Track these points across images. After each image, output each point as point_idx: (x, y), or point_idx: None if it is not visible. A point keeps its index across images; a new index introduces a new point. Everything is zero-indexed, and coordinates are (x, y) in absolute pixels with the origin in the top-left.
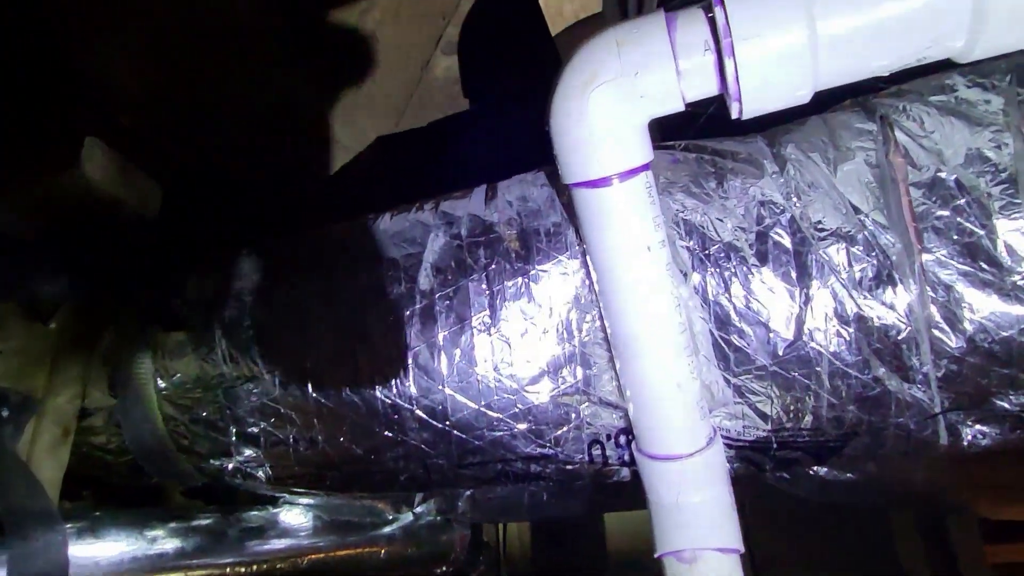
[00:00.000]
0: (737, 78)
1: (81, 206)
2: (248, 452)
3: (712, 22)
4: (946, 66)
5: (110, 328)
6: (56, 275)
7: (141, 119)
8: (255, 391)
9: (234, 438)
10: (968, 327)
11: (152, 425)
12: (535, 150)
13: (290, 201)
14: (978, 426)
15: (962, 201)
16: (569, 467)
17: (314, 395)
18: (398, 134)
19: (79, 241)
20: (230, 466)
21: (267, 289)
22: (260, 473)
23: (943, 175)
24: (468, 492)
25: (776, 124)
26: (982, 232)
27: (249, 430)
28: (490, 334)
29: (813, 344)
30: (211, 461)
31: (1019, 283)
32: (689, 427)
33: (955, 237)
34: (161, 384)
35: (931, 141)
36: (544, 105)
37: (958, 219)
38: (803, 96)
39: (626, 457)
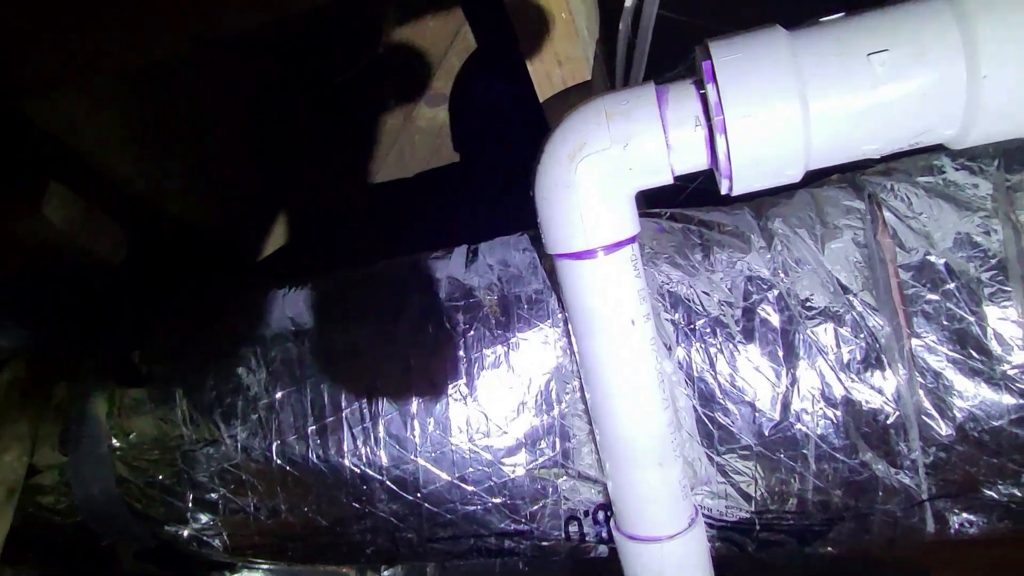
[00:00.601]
0: (728, 156)
1: (42, 251)
2: (205, 519)
3: (703, 97)
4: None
5: (64, 382)
6: (10, 323)
7: (105, 165)
8: (215, 455)
9: (191, 504)
10: (957, 415)
11: (104, 486)
12: (521, 210)
13: (262, 251)
14: (965, 514)
15: (951, 286)
16: (544, 543)
17: (278, 462)
18: (381, 184)
19: (37, 288)
20: (186, 533)
21: (233, 348)
22: (217, 542)
23: (932, 258)
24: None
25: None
26: (972, 319)
27: (207, 496)
28: (466, 403)
29: (799, 426)
30: (166, 527)
31: (1008, 372)
32: (670, 507)
33: (944, 323)
34: (116, 443)
35: (919, 223)
36: (530, 170)
37: (947, 304)
38: (793, 176)
39: (604, 534)
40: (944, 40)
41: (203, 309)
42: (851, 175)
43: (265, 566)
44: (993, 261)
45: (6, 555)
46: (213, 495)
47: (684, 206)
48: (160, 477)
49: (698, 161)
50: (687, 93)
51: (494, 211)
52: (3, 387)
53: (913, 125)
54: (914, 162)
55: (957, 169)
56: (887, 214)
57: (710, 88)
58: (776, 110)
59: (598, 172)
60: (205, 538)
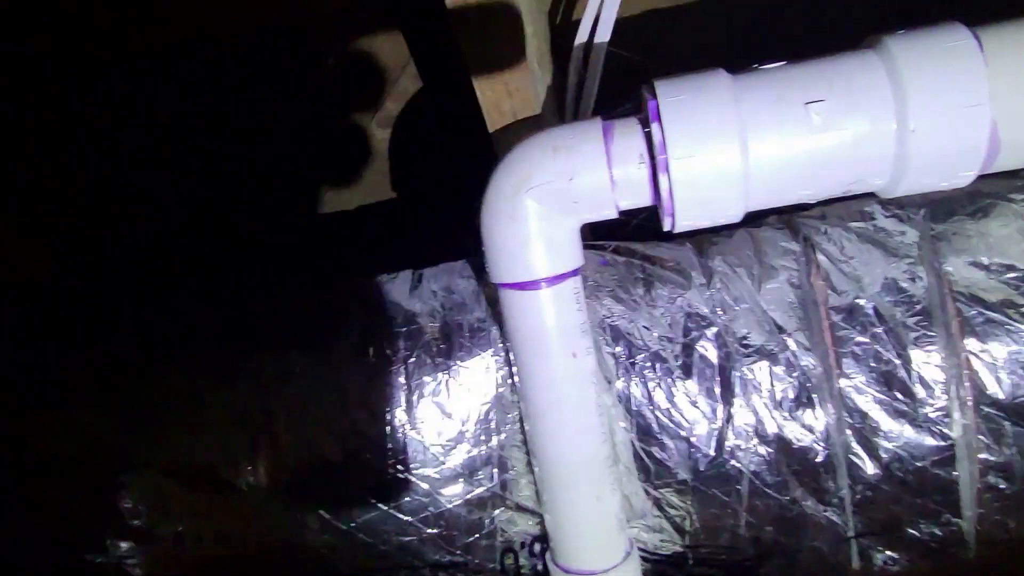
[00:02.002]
0: (671, 194)
1: None
2: (126, 547)
3: (648, 136)
4: None
5: None
6: None
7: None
8: (140, 479)
9: (112, 531)
10: (883, 455)
11: (17, 512)
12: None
13: (194, 269)
14: (889, 552)
15: (879, 329)
16: None
17: (206, 487)
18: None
19: None
20: (106, 562)
21: (159, 369)
22: (138, 572)
23: (861, 302)
24: None
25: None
26: (898, 362)
27: (130, 523)
28: (404, 431)
29: (734, 462)
30: (85, 556)
31: (931, 415)
32: (606, 542)
33: (872, 364)
34: (32, 466)
35: (851, 267)
36: (476, 199)
37: (876, 347)
38: (733, 216)
39: (540, 567)
40: (876, 93)
41: (131, 327)
42: (788, 217)
43: None
44: (918, 307)
45: None
46: (136, 521)
47: (629, 239)
48: (78, 502)
49: (641, 198)
50: (632, 131)
51: (441, 236)
52: None
53: (846, 174)
54: (847, 207)
55: (887, 216)
56: (820, 257)
57: (654, 127)
58: (717, 152)
59: (543, 204)
60: (126, 567)
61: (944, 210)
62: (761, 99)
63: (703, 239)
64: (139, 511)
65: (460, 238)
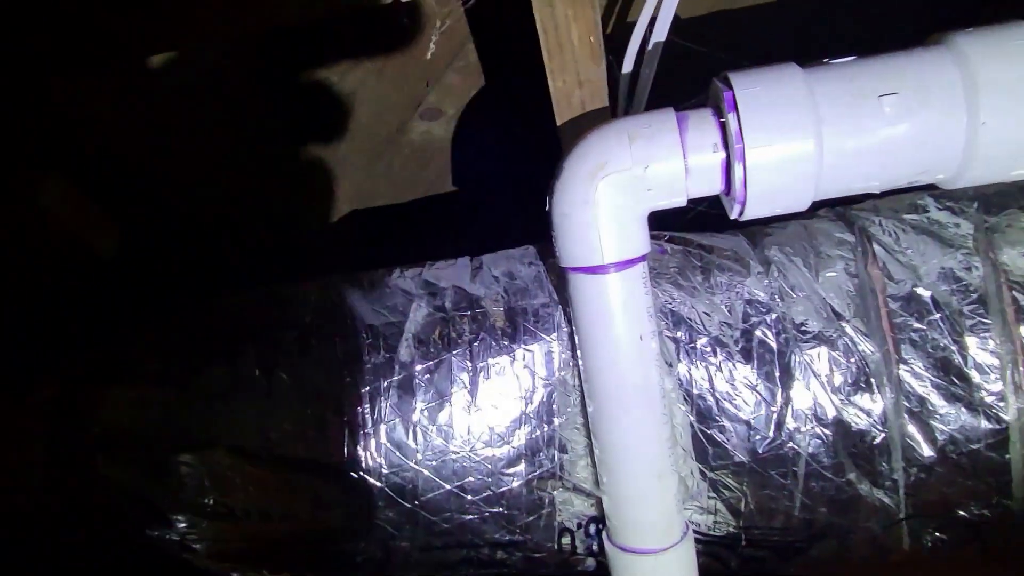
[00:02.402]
0: (745, 183)
1: (37, 242)
2: (190, 522)
3: (723, 126)
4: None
5: (50, 377)
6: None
7: (107, 157)
8: (207, 456)
9: (176, 506)
10: (939, 437)
11: (85, 485)
12: (516, 227)
13: (259, 254)
14: (938, 533)
15: (936, 317)
16: (536, 555)
17: (274, 464)
18: (379, 196)
19: (28, 279)
20: (168, 537)
21: (232, 347)
22: (200, 547)
23: (919, 290)
24: None
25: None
26: (954, 348)
27: (195, 498)
28: (470, 412)
29: (792, 444)
30: (147, 531)
31: (986, 399)
32: (666, 521)
33: (929, 350)
34: (101, 441)
35: (906, 257)
36: (546, 187)
37: (932, 334)
38: (802, 205)
39: (594, 547)
40: (948, 87)
41: (198, 307)
42: (841, 209)
43: None
44: (974, 295)
45: None
46: (201, 497)
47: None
48: (144, 477)
49: (713, 186)
50: (706, 121)
51: (478, 230)
52: None
53: (915, 165)
54: (899, 200)
55: (940, 209)
56: (877, 247)
57: (731, 117)
58: (793, 142)
59: (617, 191)
60: (188, 543)
61: (996, 203)
62: (835, 91)
63: (755, 230)
64: (205, 487)
65: (502, 228)
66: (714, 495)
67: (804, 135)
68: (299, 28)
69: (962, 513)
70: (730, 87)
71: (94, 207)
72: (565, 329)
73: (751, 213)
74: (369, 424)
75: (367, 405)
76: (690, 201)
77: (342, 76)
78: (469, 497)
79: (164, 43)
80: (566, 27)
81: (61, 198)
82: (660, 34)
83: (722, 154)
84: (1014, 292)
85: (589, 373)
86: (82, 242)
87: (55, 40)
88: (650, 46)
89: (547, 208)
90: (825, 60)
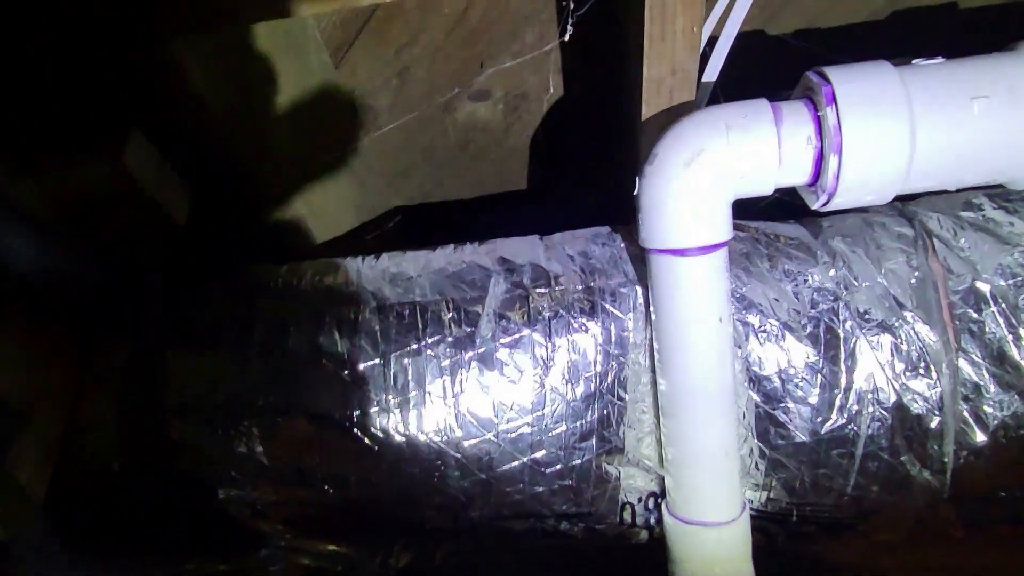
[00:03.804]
0: (838, 174)
1: (114, 200)
2: (264, 487)
3: (818, 119)
4: None
5: (124, 341)
6: (77, 268)
7: (190, 122)
8: (286, 423)
9: (251, 471)
10: (991, 423)
11: (157, 449)
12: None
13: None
14: (984, 513)
15: (994, 309)
16: (598, 527)
17: (356, 432)
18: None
19: (105, 237)
20: (240, 501)
21: (312, 314)
22: (273, 513)
23: (978, 284)
24: None
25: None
26: (1010, 339)
27: (271, 463)
28: (544, 387)
29: (852, 426)
30: (219, 493)
31: None
32: (729, 495)
33: (988, 341)
34: (175, 403)
35: (965, 252)
36: (635, 170)
37: (990, 325)
38: (885, 199)
39: (652, 520)
40: None
41: (268, 274)
42: (899, 204)
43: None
44: None
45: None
46: (276, 463)
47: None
48: (217, 442)
49: (802, 177)
50: (800, 112)
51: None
52: (48, 344)
53: (998, 164)
54: (953, 198)
55: (995, 208)
56: (936, 242)
57: (829, 111)
58: (889, 137)
59: (711, 178)
60: (260, 509)
61: None
62: (930, 91)
63: (813, 220)
64: (281, 454)
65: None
66: (771, 473)
67: (899, 132)
68: None
69: (1003, 494)
70: (828, 82)
71: (170, 170)
72: (641, 309)
73: (837, 204)
74: (450, 396)
75: (448, 377)
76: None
77: (399, 51)
78: (542, 470)
79: (270, 11)
80: (673, 15)
81: (144, 159)
82: (734, 25)
83: (816, 145)
84: None
85: (666, 353)
86: (160, 206)
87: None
88: (720, 38)
89: (635, 192)
90: (913, 60)
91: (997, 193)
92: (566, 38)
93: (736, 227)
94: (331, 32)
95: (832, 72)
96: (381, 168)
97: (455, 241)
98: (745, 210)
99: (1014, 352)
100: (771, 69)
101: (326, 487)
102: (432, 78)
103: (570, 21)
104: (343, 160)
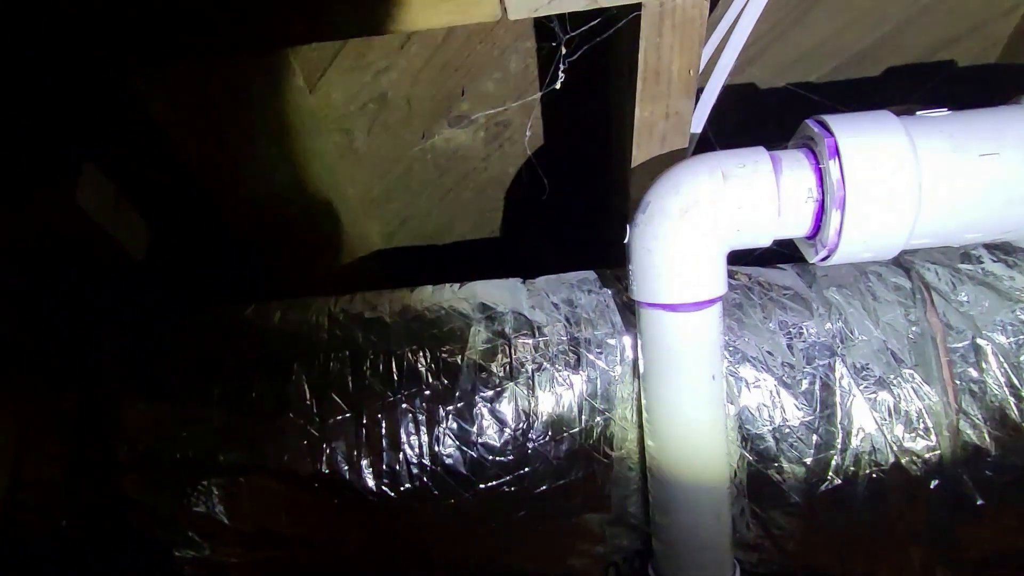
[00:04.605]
0: (840, 230)
1: (67, 236)
2: (225, 550)
3: (819, 171)
4: None
5: (73, 389)
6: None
7: (150, 155)
8: (252, 481)
9: (212, 532)
10: (991, 488)
11: (107, 506)
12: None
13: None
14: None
15: (995, 369)
16: None
17: (324, 490)
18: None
19: (55, 275)
20: (198, 561)
21: (278, 362)
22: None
23: (979, 342)
24: None
25: None
26: (1013, 401)
27: (236, 525)
28: (525, 443)
29: (849, 488)
30: (176, 553)
31: None
32: (719, 559)
33: (989, 402)
34: (132, 460)
35: (964, 307)
36: (623, 212)
37: (992, 386)
38: (890, 255)
39: None
40: None
41: (235, 319)
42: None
43: None
44: None
45: None
46: (239, 524)
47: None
48: (173, 500)
49: (802, 230)
50: (801, 164)
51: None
52: None
53: (1005, 223)
54: (951, 249)
55: (994, 261)
56: (935, 296)
57: (832, 164)
58: (894, 194)
59: (706, 230)
60: (220, 570)
61: None
62: (937, 146)
63: (805, 268)
64: (245, 513)
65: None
66: (763, 534)
67: (906, 188)
68: None
69: (1002, 559)
70: (830, 132)
71: (126, 204)
72: (629, 362)
73: (837, 260)
74: (426, 454)
75: (424, 432)
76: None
77: (376, 76)
78: (524, 529)
79: (239, 45)
80: (669, 57)
81: (98, 193)
82: (723, 71)
83: (817, 199)
84: None
85: (655, 412)
86: (113, 241)
87: (132, 33)
88: (708, 84)
89: (626, 241)
90: (913, 109)
91: (996, 245)
92: (557, 85)
93: (728, 274)
94: (306, 55)
95: (834, 122)
96: (357, 194)
97: (434, 270)
98: (737, 257)
99: (1015, 414)
100: (751, 118)
101: (293, 549)
102: (411, 104)
103: (561, 67)
104: (318, 188)
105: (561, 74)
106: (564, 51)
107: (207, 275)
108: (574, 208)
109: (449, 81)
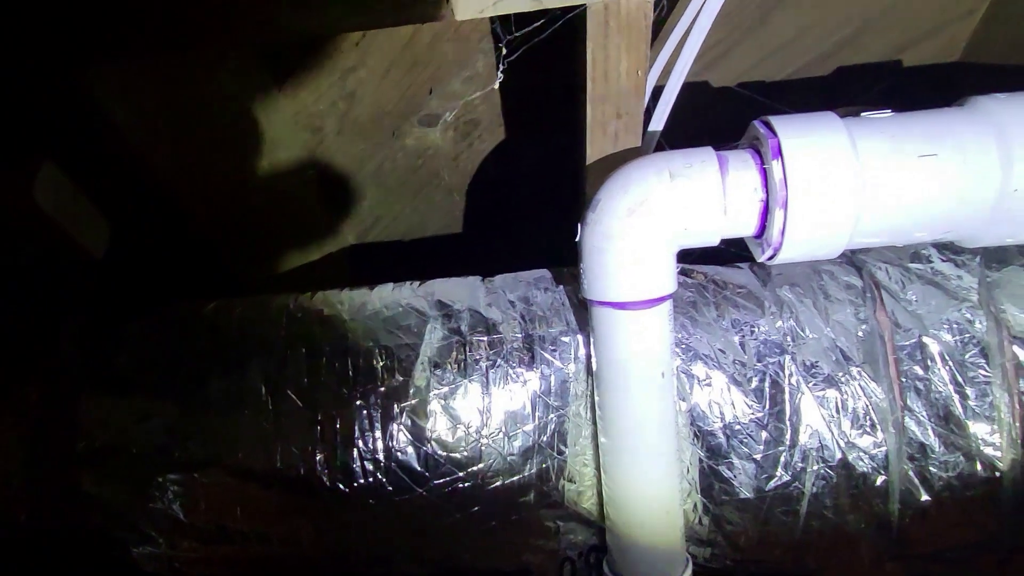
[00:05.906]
0: (783, 229)
1: (24, 234)
2: (182, 546)
3: (764, 171)
4: None
5: (34, 383)
6: None
7: (109, 153)
8: (207, 476)
9: (169, 527)
10: (936, 483)
11: (67, 501)
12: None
13: (247, 254)
14: (924, 570)
15: (940, 367)
16: None
17: (279, 486)
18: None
19: (14, 270)
20: (157, 560)
21: (236, 359)
22: (192, 571)
23: (925, 340)
24: None
25: None
26: (956, 398)
27: (191, 521)
28: (479, 439)
29: (797, 484)
30: (133, 550)
31: (983, 449)
32: (670, 554)
33: (934, 400)
34: (86, 454)
35: (912, 306)
36: (576, 217)
37: (936, 383)
38: (833, 254)
39: None
40: (984, 153)
41: (192, 314)
42: (847, 252)
43: None
44: (976, 348)
45: None
46: (196, 520)
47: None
48: (130, 496)
49: (749, 229)
50: (747, 164)
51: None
52: None
53: (944, 224)
54: (902, 248)
55: (943, 260)
56: (885, 295)
57: (775, 164)
58: (835, 193)
59: (654, 229)
60: (178, 565)
61: (996, 258)
62: (878, 148)
63: (762, 265)
64: (201, 509)
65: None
66: (715, 529)
67: (846, 188)
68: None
69: (949, 554)
70: (775, 134)
71: (85, 202)
72: (583, 359)
73: (783, 259)
74: (380, 450)
75: (379, 429)
76: (725, 241)
77: (344, 75)
78: (478, 526)
79: (193, 41)
80: (616, 58)
81: (54, 190)
82: (680, 73)
83: (762, 198)
84: (1015, 347)
85: (607, 408)
86: (71, 238)
87: (88, 26)
88: (667, 87)
89: (577, 239)
90: (858, 111)
91: (945, 244)
92: (495, 85)
93: (683, 272)
94: (274, 53)
95: (778, 123)
96: (327, 193)
97: (406, 266)
98: (705, 255)
99: (959, 411)
100: (712, 120)
101: (250, 544)
102: (380, 102)
103: (500, 68)
104: (286, 186)
105: (500, 74)
106: (505, 52)
107: (174, 275)
108: (546, 205)
109: (418, 80)
